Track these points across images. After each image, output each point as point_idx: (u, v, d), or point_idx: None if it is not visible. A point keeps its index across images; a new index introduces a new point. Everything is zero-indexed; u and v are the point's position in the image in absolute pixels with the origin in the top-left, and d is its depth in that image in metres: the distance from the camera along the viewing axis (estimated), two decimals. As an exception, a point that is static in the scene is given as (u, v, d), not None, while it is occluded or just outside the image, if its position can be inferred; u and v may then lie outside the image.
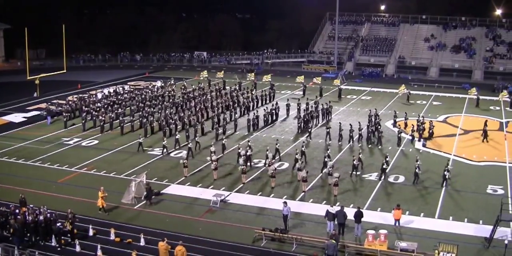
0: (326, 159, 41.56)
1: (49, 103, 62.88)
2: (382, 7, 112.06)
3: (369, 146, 49.07)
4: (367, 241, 29.33)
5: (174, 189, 38.24)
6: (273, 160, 41.97)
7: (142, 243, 29.96)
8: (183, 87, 70.62)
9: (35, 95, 69.42)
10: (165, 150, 45.89)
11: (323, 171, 41.10)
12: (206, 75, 78.85)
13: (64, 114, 55.89)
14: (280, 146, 45.69)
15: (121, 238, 30.69)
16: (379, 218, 33.66)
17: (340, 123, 51.76)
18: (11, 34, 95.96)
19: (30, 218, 30.40)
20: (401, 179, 40.64)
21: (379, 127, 51.83)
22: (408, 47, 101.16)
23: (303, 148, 44.09)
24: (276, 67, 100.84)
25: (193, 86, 71.33)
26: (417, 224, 33.03)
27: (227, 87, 72.78)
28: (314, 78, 74.60)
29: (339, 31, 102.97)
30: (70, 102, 60.94)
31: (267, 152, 42.78)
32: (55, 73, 74.17)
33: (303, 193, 37.76)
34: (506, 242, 29.01)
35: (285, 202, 32.39)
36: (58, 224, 30.06)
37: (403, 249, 28.48)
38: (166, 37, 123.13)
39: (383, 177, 40.39)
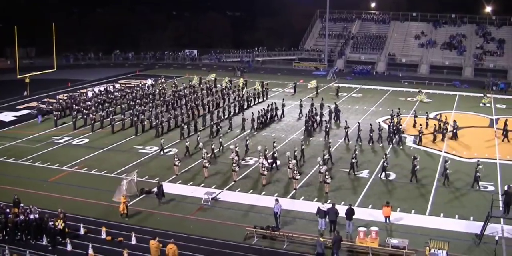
0: (353, 160, 41.11)
1: (39, 102, 62.73)
2: (373, 5, 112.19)
3: (390, 146, 48.50)
4: (358, 238, 29.39)
5: (165, 187, 37.86)
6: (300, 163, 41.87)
7: (134, 241, 29.86)
8: (173, 85, 70.59)
9: (25, 93, 69.14)
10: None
11: (351, 172, 40.95)
12: (213, 78, 77.61)
13: (55, 113, 55.64)
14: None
15: (112, 236, 30.62)
16: (370, 215, 33.71)
17: (358, 123, 51.16)
18: (0, 33, 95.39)
19: (22, 217, 30.29)
20: (392, 176, 40.72)
21: (400, 127, 50.97)
22: (398, 45, 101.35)
23: (330, 149, 43.73)
24: (267, 65, 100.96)
25: (184, 84, 71.31)
26: (408, 221, 33.11)
27: (218, 85, 72.80)
28: (308, 84, 73.91)
29: (329, 28, 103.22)
30: (60, 101, 60.74)
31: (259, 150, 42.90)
32: (45, 71, 73.94)
33: (294, 191, 37.79)
34: (496, 238, 29.11)
35: (276, 200, 32.44)
36: (50, 223, 29.92)
37: (394, 246, 28.58)
38: (157, 36, 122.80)
39: (415, 180, 39.81)
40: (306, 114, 55.41)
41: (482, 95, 68.93)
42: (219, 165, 42.79)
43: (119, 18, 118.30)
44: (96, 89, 69.01)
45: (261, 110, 56.15)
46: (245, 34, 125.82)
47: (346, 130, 50.07)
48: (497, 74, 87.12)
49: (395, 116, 54.14)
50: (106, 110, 56.89)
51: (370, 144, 48.80)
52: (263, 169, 39.11)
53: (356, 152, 42.71)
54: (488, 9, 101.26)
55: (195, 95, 65.08)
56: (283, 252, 29.31)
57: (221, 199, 36.34)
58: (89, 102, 60.42)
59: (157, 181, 36.40)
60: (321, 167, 39.24)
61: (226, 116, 56.27)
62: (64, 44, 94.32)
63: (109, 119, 53.96)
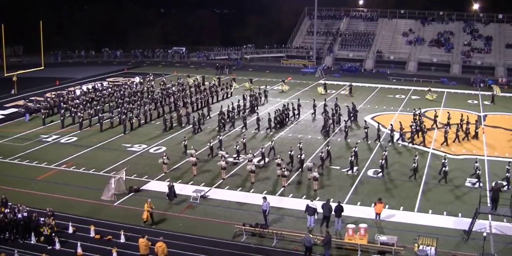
0: (382, 162, 40.50)
1: (27, 100, 62.35)
2: (361, 2, 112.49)
3: (410, 145, 47.95)
4: (347, 235, 29.46)
5: (154, 185, 38.09)
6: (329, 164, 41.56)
7: (122, 239, 29.83)
8: (162, 83, 70.45)
9: (12, 92, 68.75)
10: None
11: (379, 175, 40.52)
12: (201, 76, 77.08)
13: (43, 111, 55.38)
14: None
15: (101, 235, 30.56)
16: (359, 212, 33.81)
17: (378, 123, 50.98)
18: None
19: (10, 217, 30.13)
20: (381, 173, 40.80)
21: (423, 127, 50.11)
22: (386, 42, 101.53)
23: (355, 149, 42.72)
24: (255, 62, 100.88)
25: (172, 82, 71.17)
26: (397, 218, 33.24)
27: (206, 83, 72.70)
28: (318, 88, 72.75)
29: (317, 26, 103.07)
30: (48, 99, 60.47)
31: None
32: (33, 69, 73.54)
33: (283, 188, 37.82)
34: (484, 234, 29.18)
35: (264, 197, 32.46)
36: (41, 219, 29.78)
37: (383, 242, 28.67)
38: (145, 33, 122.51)
39: (444, 180, 39.35)
40: (325, 113, 54.82)
41: (490, 93, 68.77)
42: (208, 163, 42.69)
43: (107, 16, 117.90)
44: (84, 87, 68.78)
45: (277, 110, 55.29)
46: (234, 32, 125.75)
47: (366, 130, 49.49)
48: (485, 71, 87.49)
49: (418, 115, 53.43)
50: (94, 108, 56.68)
51: (390, 144, 48.13)
52: (253, 166, 39.06)
53: (386, 153, 42.05)
54: (476, 6, 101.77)
55: (184, 92, 64.94)
56: (272, 249, 29.35)
57: (210, 197, 36.32)
58: (77, 100, 60.17)
59: (170, 183, 35.97)
60: (310, 165, 39.33)
61: (237, 116, 55.99)
62: (52, 42, 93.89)
63: (97, 117, 53.83)
